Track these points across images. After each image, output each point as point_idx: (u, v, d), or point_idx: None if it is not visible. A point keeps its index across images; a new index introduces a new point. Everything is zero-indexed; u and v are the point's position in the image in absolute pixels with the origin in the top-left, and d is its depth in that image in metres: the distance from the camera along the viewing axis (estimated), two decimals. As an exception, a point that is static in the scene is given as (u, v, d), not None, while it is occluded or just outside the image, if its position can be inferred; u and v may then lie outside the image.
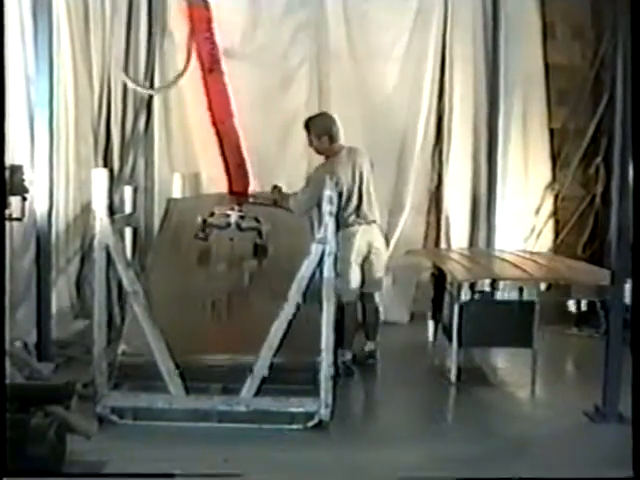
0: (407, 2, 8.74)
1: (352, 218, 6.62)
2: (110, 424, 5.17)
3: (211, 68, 6.72)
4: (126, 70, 8.17)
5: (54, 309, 7.02)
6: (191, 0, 7.64)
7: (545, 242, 9.01)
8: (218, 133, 6.89)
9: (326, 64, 8.66)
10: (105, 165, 7.99)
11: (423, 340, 7.76)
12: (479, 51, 8.83)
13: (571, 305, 8.46)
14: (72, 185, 7.83)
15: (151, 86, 8.28)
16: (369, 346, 6.92)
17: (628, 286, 5.41)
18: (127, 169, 8.26)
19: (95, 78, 8.11)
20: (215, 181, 8.15)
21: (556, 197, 9.03)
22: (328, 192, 5.20)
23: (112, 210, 5.32)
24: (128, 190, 7.10)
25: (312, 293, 5.26)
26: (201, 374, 5.29)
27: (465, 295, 6.42)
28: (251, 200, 6.86)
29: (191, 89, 8.15)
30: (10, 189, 5.77)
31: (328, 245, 5.16)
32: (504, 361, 7.31)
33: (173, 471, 4.41)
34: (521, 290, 6.95)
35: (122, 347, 5.52)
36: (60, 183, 7.52)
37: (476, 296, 6.58)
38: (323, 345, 5.16)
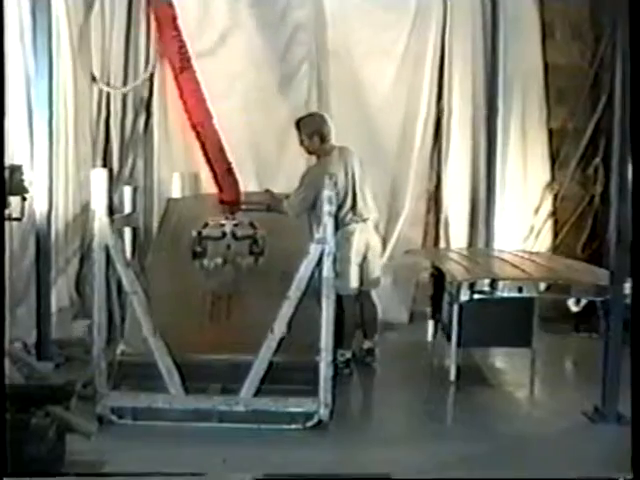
0: (406, 1, 8.74)
1: (349, 217, 6.63)
2: (110, 424, 5.18)
3: (182, 68, 6.61)
4: (125, 70, 8.17)
5: (54, 309, 7.03)
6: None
7: (544, 242, 9.01)
8: (199, 137, 6.76)
9: (325, 64, 8.66)
10: (104, 165, 7.99)
11: (422, 340, 7.75)
12: (478, 51, 8.83)
13: (570, 305, 8.45)
14: (72, 185, 7.84)
15: (151, 86, 8.28)
16: (367, 344, 6.93)
17: (628, 286, 5.42)
18: (126, 169, 8.27)
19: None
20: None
21: (555, 197, 9.03)
22: (327, 192, 5.19)
23: (111, 210, 5.33)
24: (127, 190, 7.10)
25: (311, 292, 5.27)
26: (201, 373, 5.30)
27: (464, 295, 6.42)
28: (244, 207, 6.82)
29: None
30: (10, 189, 5.78)
31: (327, 245, 5.16)
32: (503, 361, 7.31)
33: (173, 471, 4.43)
34: (520, 290, 6.96)
35: (122, 347, 5.54)
36: (60, 183, 7.52)
37: (475, 296, 6.58)
38: (322, 345, 5.16)
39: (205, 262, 6.34)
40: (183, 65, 6.52)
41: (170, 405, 5.20)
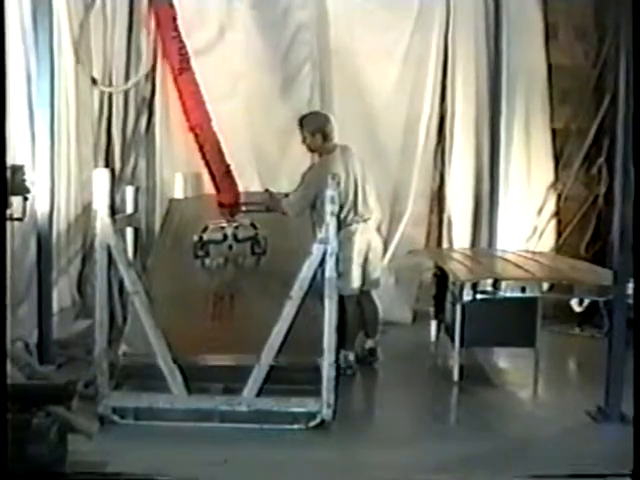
0: (409, 2, 8.73)
1: (350, 217, 6.61)
2: (111, 424, 5.17)
3: (181, 69, 6.59)
4: (127, 70, 8.17)
5: (55, 309, 7.02)
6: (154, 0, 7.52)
7: (547, 242, 9.00)
8: (198, 140, 6.74)
9: (328, 64, 8.66)
10: (106, 165, 7.99)
11: (425, 340, 7.75)
12: (481, 51, 8.82)
13: (573, 305, 8.44)
14: (73, 185, 7.82)
15: (152, 86, 8.27)
16: (369, 344, 6.92)
17: (630, 286, 5.41)
18: (128, 169, 8.27)
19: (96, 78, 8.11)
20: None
21: (558, 197, 9.03)
22: (330, 192, 5.18)
23: (113, 210, 5.31)
24: (129, 190, 7.09)
25: (314, 292, 5.26)
26: (203, 374, 5.29)
27: (467, 295, 6.41)
28: (244, 208, 6.81)
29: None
30: (11, 189, 5.77)
31: (330, 245, 5.15)
32: (506, 361, 7.30)
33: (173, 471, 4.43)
34: (523, 290, 6.95)
35: (123, 347, 5.53)
36: (61, 183, 7.51)
37: (478, 296, 6.57)
38: (325, 345, 5.15)
39: (207, 262, 6.34)
40: (182, 66, 6.50)
41: (172, 405, 5.19)
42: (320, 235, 5.22)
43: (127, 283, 5.29)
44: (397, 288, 8.66)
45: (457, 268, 6.80)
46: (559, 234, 9.04)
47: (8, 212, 5.68)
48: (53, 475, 4.18)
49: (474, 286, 6.54)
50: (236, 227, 6.53)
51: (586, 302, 8.30)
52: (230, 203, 6.73)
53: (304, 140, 6.82)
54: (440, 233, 9.00)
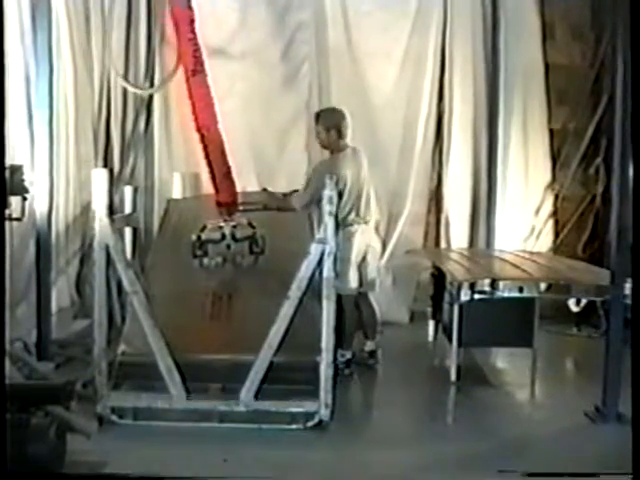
0: (407, 2, 8.74)
1: (351, 217, 6.62)
2: (110, 424, 5.16)
3: (195, 71, 6.62)
4: (126, 70, 8.18)
5: (54, 309, 7.03)
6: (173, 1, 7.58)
7: (545, 242, 9.01)
8: (203, 140, 6.79)
9: (326, 64, 8.67)
10: (105, 165, 8.00)
11: (423, 340, 7.76)
12: (479, 51, 8.83)
13: (571, 305, 8.45)
14: (72, 185, 7.84)
15: (151, 86, 8.28)
16: (369, 346, 6.91)
17: (628, 286, 5.41)
18: (127, 169, 8.28)
19: (95, 78, 8.12)
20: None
21: (556, 197, 9.04)
22: (328, 192, 5.19)
23: (112, 210, 5.32)
24: (128, 190, 7.10)
25: (311, 292, 5.26)
26: (201, 374, 5.29)
27: (465, 295, 6.42)
28: (241, 208, 6.82)
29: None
30: (10, 189, 5.77)
31: (328, 245, 5.16)
32: (504, 361, 7.31)
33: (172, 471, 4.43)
34: (521, 290, 6.96)
35: (122, 347, 5.53)
36: (60, 183, 7.53)
37: (476, 296, 6.58)
38: (323, 345, 5.16)
39: (205, 261, 6.34)
40: (196, 68, 6.53)
41: (170, 405, 5.19)
42: (318, 235, 5.23)
43: (126, 283, 5.29)
44: (395, 288, 8.66)
45: (455, 268, 6.80)
46: (556, 234, 9.05)
47: (7, 212, 5.68)
48: (52, 475, 4.18)
49: (472, 286, 6.55)
50: (234, 226, 6.53)
51: (583, 302, 8.31)
52: (227, 202, 6.74)
53: (318, 135, 6.82)
54: (438, 233, 9.01)
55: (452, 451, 5.00)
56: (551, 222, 9.05)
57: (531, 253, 8.06)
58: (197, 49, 6.60)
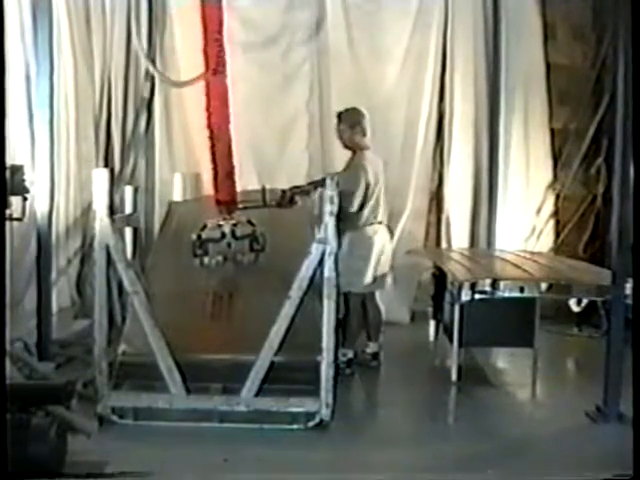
0: (408, 2, 8.73)
1: (372, 217, 6.65)
2: (111, 424, 5.16)
3: (216, 70, 6.67)
4: (126, 70, 8.18)
5: (54, 309, 7.02)
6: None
7: (546, 242, 9.01)
8: (212, 137, 6.85)
9: (327, 64, 8.66)
10: (106, 165, 7.99)
11: (424, 340, 7.76)
12: (480, 51, 8.83)
13: (572, 305, 8.44)
14: (73, 185, 7.84)
15: (152, 87, 8.28)
16: (372, 347, 6.89)
17: (629, 285, 5.41)
18: (128, 169, 8.28)
19: (96, 77, 8.12)
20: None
21: (557, 197, 9.04)
22: (329, 191, 5.18)
23: (113, 210, 5.31)
24: (129, 190, 7.09)
25: (312, 291, 5.26)
26: (202, 373, 5.29)
27: (466, 295, 6.42)
28: (241, 206, 6.82)
29: (192, 89, 8.14)
30: (11, 189, 5.76)
31: (329, 245, 5.15)
32: (505, 361, 7.30)
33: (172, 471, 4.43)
34: (522, 290, 6.95)
35: (123, 347, 5.52)
36: (61, 183, 7.52)
37: (477, 296, 6.57)
38: (324, 344, 5.15)
39: (206, 260, 6.34)
40: (218, 68, 6.57)
41: (171, 405, 5.19)
42: (319, 235, 5.23)
43: (126, 283, 5.29)
44: (395, 288, 8.60)
45: (456, 268, 6.80)
46: (557, 234, 9.05)
47: (7, 212, 5.68)
48: (52, 474, 4.17)
49: (472, 286, 6.54)
50: (234, 225, 6.53)
51: (584, 302, 8.31)
52: (227, 201, 6.75)
53: (341, 134, 6.84)
54: (439, 233, 9.01)
55: (453, 451, 5.00)
56: (552, 222, 9.04)
57: (532, 253, 8.06)
58: (221, 50, 6.67)
